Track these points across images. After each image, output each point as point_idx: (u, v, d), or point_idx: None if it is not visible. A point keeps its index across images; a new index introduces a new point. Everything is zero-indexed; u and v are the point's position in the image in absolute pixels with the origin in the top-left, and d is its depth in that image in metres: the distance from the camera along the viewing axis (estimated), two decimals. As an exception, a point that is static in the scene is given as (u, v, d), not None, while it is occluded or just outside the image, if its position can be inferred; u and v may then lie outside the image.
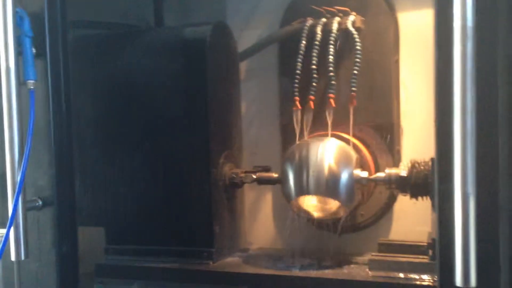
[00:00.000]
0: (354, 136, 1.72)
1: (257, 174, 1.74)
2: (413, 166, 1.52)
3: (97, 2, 1.84)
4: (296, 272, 1.55)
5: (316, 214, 1.65)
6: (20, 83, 1.03)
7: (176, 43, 1.74)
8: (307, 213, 1.66)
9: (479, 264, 0.80)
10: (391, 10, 1.76)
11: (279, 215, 1.92)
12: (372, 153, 1.74)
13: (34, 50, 1.05)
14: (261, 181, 1.75)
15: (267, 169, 1.76)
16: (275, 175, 1.73)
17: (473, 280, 0.80)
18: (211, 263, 1.64)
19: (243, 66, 1.95)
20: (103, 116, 1.68)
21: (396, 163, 1.73)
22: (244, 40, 1.92)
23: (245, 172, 1.74)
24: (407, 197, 1.55)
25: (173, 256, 1.66)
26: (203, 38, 1.69)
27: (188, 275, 1.61)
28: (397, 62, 1.78)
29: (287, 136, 1.82)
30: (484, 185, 0.82)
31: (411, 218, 1.75)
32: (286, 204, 1.71)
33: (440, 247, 0.89)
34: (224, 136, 1.78)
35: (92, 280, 1.53)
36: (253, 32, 1.93)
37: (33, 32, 1.05)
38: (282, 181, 1.66)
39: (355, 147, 1.68)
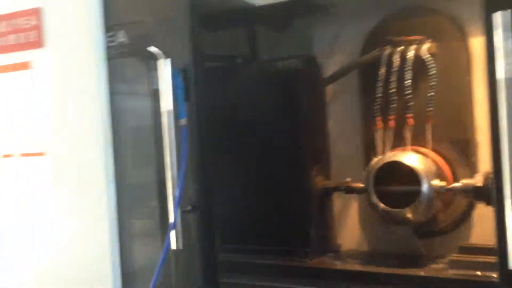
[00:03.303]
0: (434, 150, 1.99)
1: (345, 184, 2.06)
2: (487, 177, 1.77)
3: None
4: (382, 269, 1.85)
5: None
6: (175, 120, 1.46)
7: (272, 74, 2.12)
8: (390, 220, 1.96)
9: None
10: (463, 36, 2.02)
11: (364, 220, 2.23)
12: (450, 165, 2.00)
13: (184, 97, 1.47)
14: (348, 191, 2.07)
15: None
16: (360, 185, 2.04)
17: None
18: (307, 260, 1.98)
19: (328, 89, 2.28)
20: (218, 139, 2.07)
21: (472, 174, 1.97)
22: (329, 66, 2.26)
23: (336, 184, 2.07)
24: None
25: (274, 254, 2.02)
26: (295, 69, 2.06)
27: (288, 270, 1.97)
28: (469, 82, 2.02)
29: (369, 151, 2.13)
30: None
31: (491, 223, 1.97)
32: (370, 210, 2.03)
33: (498, 240, 1.18)
34: (315, 152, 2.13)
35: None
36: (336, 60, 2.26)
37: (183, 84, 1.46)
38: (367, 191, 1.97)
39: (434, 160, 1.95)
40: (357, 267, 1.95)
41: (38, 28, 1.60)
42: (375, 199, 1.93)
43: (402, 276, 1.80)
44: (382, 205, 1.90)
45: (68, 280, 1.64)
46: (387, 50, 2.07)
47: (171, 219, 1.43)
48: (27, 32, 1.62)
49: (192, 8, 1.46)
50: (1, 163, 1.69)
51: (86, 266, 1.60)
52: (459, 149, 2.01)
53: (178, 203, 1.42)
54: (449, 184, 1.89)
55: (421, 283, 1.74)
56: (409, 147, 1.97)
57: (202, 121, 1.50)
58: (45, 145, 1.63)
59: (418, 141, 2.00)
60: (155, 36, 1.53)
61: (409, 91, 1.98)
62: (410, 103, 1.98)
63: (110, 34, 1.60)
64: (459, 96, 2.01)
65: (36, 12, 1.61)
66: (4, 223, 1.73)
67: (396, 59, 2.03)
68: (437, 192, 1.86)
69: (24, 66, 1.62)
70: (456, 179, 1.96)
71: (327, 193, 2.10)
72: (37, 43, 1.61)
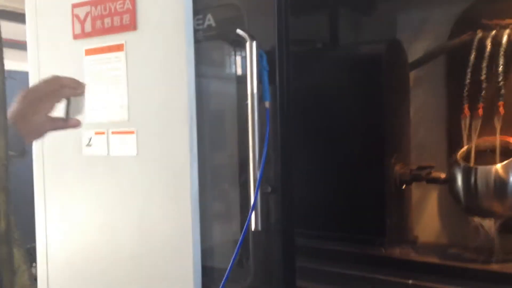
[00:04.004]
0: (525, 141, 1.88)
1: (426, 173, 2.00)
2: None
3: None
4: (466, 264, 1.79)
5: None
6: (260, 103, 1.48)
7: (354, 59, 2.09)
8: (474, 214, 1.88)
9: None
10: None
11: (444, 212, 2.16)
12: (542, 158, 1.88)
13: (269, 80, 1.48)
14: (429, 180, 2.01)
15: (431, 168, 2.02)
16: (442, 175, 1.97)
17: None
18: (383, 250, 1.96)
19: (411, 74, 2.21)
20: (299, 123, 2.07)
21: None
22: (413, 51, 2.18)
23: (416, 169, 2.01)
24: None
25: (349, 241, 2.01)
26: (379, 54, 2.01)
27: (363, 259, 1.96)
28: None
29: (453, 140, 2.05)
30: None
31: None
32: (451, 202, 1.96)
33: None
34: (395, 138, 2.08)
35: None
36: (421, 44, 2.18)
37: (268, 67, 1.48)
38: (450, 182, 1.91)
39: (524, 152, 1.85)
40: (433, 259, 1.90)
41: (131, 11, 1.68)
42: (459, 191, 1.85)
43: (481, 271, 1.73)
44: (468, 163, 1.80)
45: (149, 256, 1.73)
46: (479, 34, 1.97)
47: (252, 200, 1.47)
48: (121, 15, 1.70)
49: (278, -9, 1.47)
50: (94, 140, 1.81)
51: (168, 242, 1.67)
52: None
53: (259, 184, 1.45)
54: (541, 178, 1.79)
55: (504, 280, 1.67)
56: (499, 137, 1.87)
57: (286, 104, 1.51)
58: (135, 124, 1.72)
59: (508, 131, 1.90)
60: (241, 19, 1.55)
61: (501, 78, 1.88)
62: (502, 91, 1.88)
63: (198, 17, 1.64)
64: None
65: (130, -4, 1.68)
66: (94, 192, 1.85)
67: (488, 44, 1.93)
68: (527, 186, 1.77)
69: (118, 48, 1.71)
70: (549, 173, 1.85)
71: (406, 182, 2.05)
72: (131, 26, 1.69)
